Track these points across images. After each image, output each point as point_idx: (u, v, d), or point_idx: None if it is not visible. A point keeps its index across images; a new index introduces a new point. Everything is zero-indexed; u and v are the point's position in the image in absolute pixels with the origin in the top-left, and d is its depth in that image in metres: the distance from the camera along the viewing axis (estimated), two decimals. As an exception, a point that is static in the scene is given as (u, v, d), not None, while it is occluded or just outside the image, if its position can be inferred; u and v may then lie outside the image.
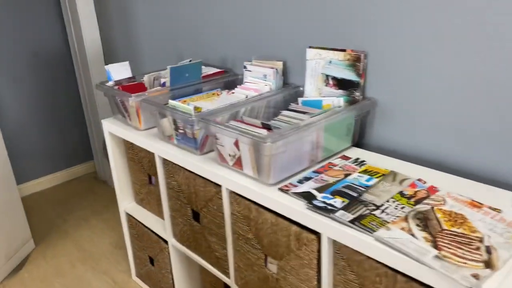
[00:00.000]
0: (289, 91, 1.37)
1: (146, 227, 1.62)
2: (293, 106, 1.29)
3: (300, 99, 1.31)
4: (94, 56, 2.39)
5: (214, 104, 1.29)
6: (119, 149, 1.63)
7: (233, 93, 1.38)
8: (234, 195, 1.13)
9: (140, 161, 1.56)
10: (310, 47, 1.30)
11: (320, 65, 1.28)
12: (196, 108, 1.20)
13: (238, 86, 1.41)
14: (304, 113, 1.21)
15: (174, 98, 1.33)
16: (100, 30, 2.37)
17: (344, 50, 1.22)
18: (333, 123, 1.12)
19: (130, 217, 1.70)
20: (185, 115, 1.18)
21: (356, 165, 1.11)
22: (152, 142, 1.35)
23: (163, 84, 1.50)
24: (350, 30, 1.21)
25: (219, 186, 1.17)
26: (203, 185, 1.23)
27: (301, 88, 1.38)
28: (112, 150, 1.61)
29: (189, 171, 1.26)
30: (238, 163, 1.09)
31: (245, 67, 1.44)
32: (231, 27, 1.59)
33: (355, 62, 1.19)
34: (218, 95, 1.41)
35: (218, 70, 1.59)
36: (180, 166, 1.29)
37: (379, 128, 1.22)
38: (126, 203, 1.72)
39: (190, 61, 1.54)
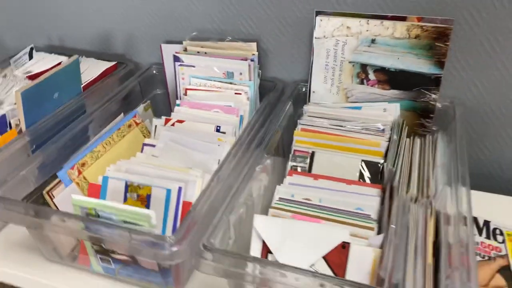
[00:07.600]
0: (279, 98, 0.75)
1: None
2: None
3: (308, 108, 0.71)
4: None
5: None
6: None
7: (179, 122, 0.68)
8: None
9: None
10: (320, 13, 0.68)
11: (346, 48, 0.68)
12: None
13: (179, 102, 0.70)
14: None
15: (45, 167, 0.58)
16: None
17: (404, 19, 0.64)
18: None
19: None
20: (144, 235, 0.47)
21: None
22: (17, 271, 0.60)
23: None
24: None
25: None
26: None
27: (302, 88, 0.76)
28: None
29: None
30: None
31: (177, 58, 0.73)
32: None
33: (434, 41, 0.63)
34: (140, 128, 0.70)
35: (108, 63, 0.83)
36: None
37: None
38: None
39: (32, 49, 0.74)
